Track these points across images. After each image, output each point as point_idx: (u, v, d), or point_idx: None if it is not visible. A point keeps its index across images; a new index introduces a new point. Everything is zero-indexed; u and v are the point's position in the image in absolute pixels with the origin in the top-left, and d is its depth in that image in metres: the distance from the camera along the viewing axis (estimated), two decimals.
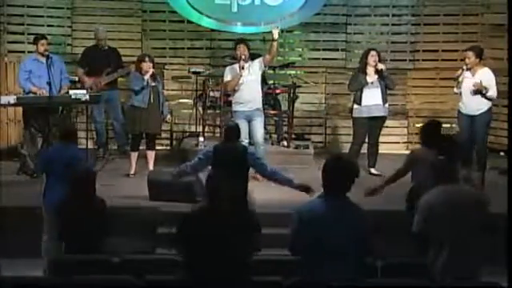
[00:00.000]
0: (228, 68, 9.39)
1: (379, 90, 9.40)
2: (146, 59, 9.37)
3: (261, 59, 9.23)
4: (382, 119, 9.62)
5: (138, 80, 9.33)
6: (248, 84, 9.14)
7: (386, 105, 9.56)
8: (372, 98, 9.40)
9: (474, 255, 5.44)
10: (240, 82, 9.12)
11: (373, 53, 9.47)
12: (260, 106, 9.27)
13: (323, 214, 4.60)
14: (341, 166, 4.68)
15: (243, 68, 9.10)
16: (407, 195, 7.02)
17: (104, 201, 6.64)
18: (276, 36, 9.07)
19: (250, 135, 9.15)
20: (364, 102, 9.41)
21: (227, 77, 9.30)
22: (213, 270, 4.89)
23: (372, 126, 9.54)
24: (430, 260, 5.51)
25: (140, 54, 9.93)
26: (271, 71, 10.76)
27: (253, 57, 9.40)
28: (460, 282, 5.38)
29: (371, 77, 9.40)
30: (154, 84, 9.35)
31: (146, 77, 9.25)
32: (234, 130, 7.36)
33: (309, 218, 4.63)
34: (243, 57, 9.14)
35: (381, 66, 9.38)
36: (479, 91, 8.83)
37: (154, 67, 9.41)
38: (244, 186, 7.18)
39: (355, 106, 9.53)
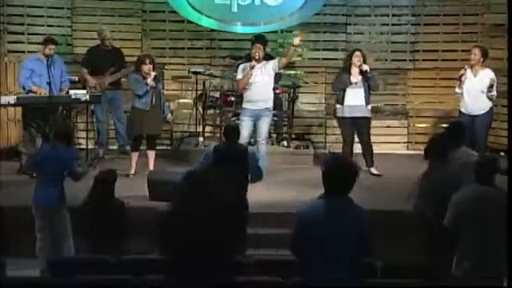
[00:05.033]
0: (241, 66, 9.42)
1: (362, 90, 9.35)
2: (147, 61, 9.19)
3: (276, 61, 9.26)
4: (366, 119, 9.50)
5: (139, 83, 9.18)
6: (259, 84, 9.16)
7: (369, 106, 9.48)
8: (354, 99, 9.35)
9: (500, 255, 5.43)
10: (251, 81, 9.15)
11: (357, 53, 9.46)
12: (270, 105, 9.29)
13: (325, 214, 4.59)
14: (341, 166, 4.68)
15: (253, 68, 9.12)
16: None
17: (124, 203, 6.71)
18: (296, 42, 9.20)
19: (255, 133, 9.19)
20: (346, 101, 9.37)
21: (239, 75, 9.34)
22: (192, 270, 4.86)
23: (357, 126, 9.48)
24: (458, 257, 5.53)
25: (140, 55, 9.78)
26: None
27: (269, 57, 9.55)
28: (485, 281, 5.39)
29: (355, 77, 9.37)
30: (154, 85, 9.28)
31: (149, 81, 9.13)
32: (234, 131, 7.36)
33: (311, 219, 4.62)
34: (256, 56, 9.17)
35: (365, 67, 9.33)
36: (490, 86, 8.86)
37: (154, 68, 9.30)
38: (244, 186, 7.18)
39: (337, 106, 9.49)
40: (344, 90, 9.37)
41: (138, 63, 9.33)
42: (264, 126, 9.22)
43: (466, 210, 5.55)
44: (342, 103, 9.40)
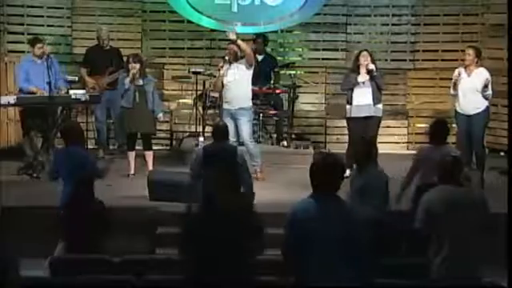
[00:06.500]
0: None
1: (370, 89, 9.32)
2: (131, 60, 9.34)
3: (244, 60, 9.29)
4: (375, 119, 9.43)
5: (122, 82, 9.36)
6: (233, 83, 9.23)
7: (379, 105, 9.44)
8: (362, 98, 9.33)
9: (471, 254, 5.47)
10: (226, 81, 9.23)
11: (364, 53, 9.44)
12: (245, 105, 9.29)
13: (315, 212, 4.58)
14: (327, 164, 4.67)
15: (220, 68, 9.27)
16: (413, 194, 7.02)
17: (102, 202, 6.66)
18: (233, 37, 9.31)
19: (238, 134, 9.21)
20: (355, 101, 9.37)
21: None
22: (214, 271, 4.88)
23: (365, 126, 9.46)
24: (430, 257, 5.55)
25: (128, 55, 9.81)
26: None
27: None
28: (458, 280, 5.41)
29: (362, 76, 9.37)
30: (140, 83, 9.32)
31: (127, 79, 9.24)
32: (222, 130, 7.38)
33: (301, 218, 4.61)
34: (226, 58, 9.28)
35: (371, 66, 9.32)
36: (485, 86, 8.87)
37: (142, 66, 9.35)
38: (236, 186, 7.16)
39: (347, 106, 9.50)
40: (352, 90, 9.38)
41: (125, 63, 9.53)
42: (244, 126, 9.20)
43: (435, 211, 5.56)
44: (350, 103, 9.41)
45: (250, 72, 9.30)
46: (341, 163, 4.73)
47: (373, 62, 9.40)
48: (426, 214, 5.58)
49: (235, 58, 9.29)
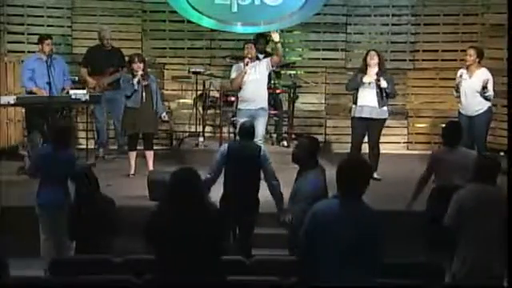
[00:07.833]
0: (235, 66, 9.50)
1: (375, 91, 9.29)
2: (136, 60, 9.33)
3: (268, 60, 9.32)
4: (379, 121, 9.40)
5: (128, 83, 9.31)
6: (253, 83, 9.21)
7: (384, 108, 9.39)
8: (366, 99, 9.29)
9: (499, 254, 5.47)
10: (245, 80, 9.16)
11: (371, 53, 9.42)
12: (264, 105, 9.31)
13: (338, 214, 4.56)
14: (356, 168, 4.65)
15: (247, 64, 9.17)
16: (430, 195, 7.00)
17: (113, 200, 6.68)
18: (276, 39, 9.25)
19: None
20: (359, 102, 9.35)
21: (233, 74, 9.39)
22: (178, 269, 4.89)
23: (369, 128, 9.43)
24: (459, 255, 5.56)
25: (130, 55, 9.80)
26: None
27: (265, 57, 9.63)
28: (485, 280, 5.43)
29: (368, 77, 9.34)
30: (146, 83, 9.32)
31: (135, 80, 9.22)
32: (249, 129, 7.35)
33: (323, 218, 4.59)
34: (249, 55, 9.23)
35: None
36: (484, 87, 8.88)
37: (145, 66, 9.37)
38: (256, 185, 7.18)
39: (353, 106, 9.51)
40: (357, 90, 9.34)
41: (128, 63, 9.51)
42: (259, 126, 9.12)
43: (466, 208, 5.58)
44: (355, 103, 9.39)
45: (268, 72, 9.32)
46: (369, 167, 4.72)
47: (381, 61, 9.37)
48: (458, 212, 5.59)
49: (256, 58, 9.31)
